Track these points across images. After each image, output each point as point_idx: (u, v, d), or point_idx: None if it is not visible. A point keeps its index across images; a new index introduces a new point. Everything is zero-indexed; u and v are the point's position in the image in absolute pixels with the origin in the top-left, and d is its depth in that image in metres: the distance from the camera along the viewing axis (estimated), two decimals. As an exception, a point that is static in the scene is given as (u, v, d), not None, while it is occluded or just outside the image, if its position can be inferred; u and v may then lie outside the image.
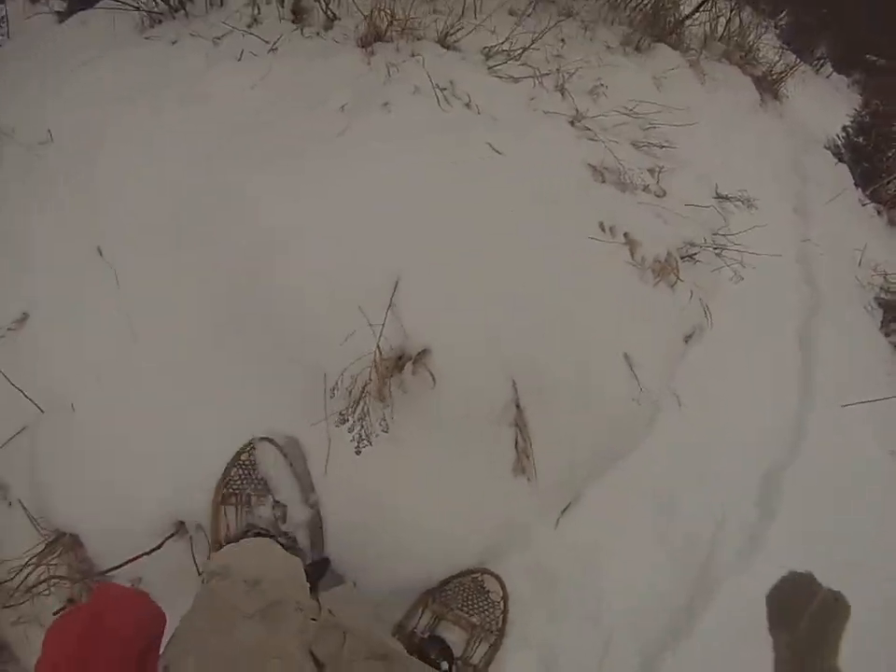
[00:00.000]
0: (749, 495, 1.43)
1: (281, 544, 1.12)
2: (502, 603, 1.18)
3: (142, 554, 1.15)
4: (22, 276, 1.43)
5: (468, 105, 1.72)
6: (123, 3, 1.99)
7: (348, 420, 1.08)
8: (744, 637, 1.18)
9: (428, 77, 1.70)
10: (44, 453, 1.24)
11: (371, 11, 1.85)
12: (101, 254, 1.43)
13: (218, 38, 1.90)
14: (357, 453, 1.06)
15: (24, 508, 1.23)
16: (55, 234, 1.45)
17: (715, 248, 1.70)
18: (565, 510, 1.30)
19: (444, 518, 1.19)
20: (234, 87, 1.71)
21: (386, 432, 1.09)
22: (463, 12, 2.06)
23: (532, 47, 1.89)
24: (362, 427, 1.07)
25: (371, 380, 1.13)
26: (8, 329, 1.37)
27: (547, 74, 1.87)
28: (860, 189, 2.76)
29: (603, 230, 1.51)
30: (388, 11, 1.85)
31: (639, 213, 1.62)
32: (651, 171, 1.79)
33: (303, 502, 1.21)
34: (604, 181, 1.66)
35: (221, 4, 2.08)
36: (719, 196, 1.89)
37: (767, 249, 1.80)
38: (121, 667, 0.59)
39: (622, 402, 1.34)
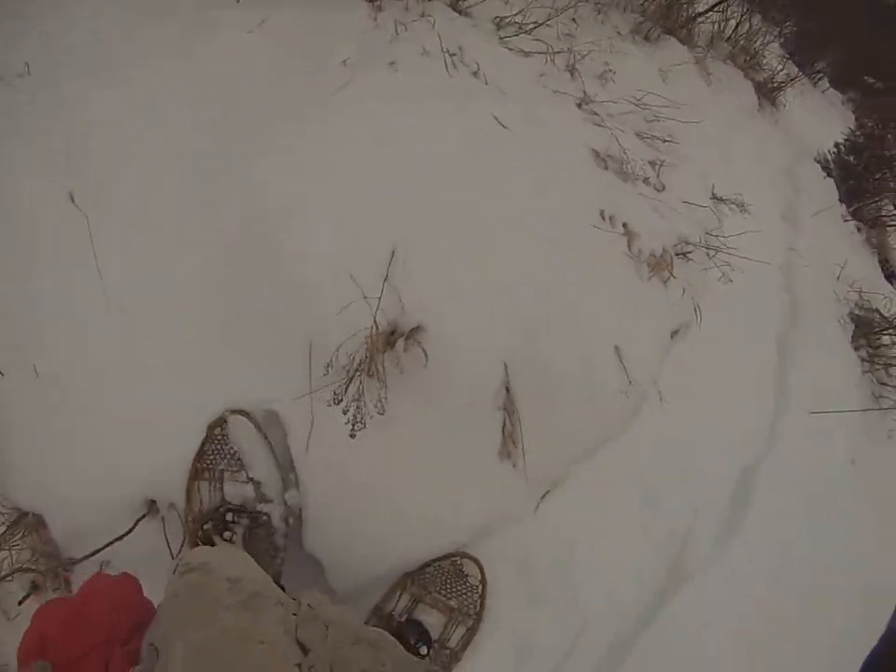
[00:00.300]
0: (726, 493, 1.49)
1: (253, 522, 1.11)
2: (480, 587, 1.18)
3: (114, 541, 1.09)
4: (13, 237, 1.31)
5: (475, 74, 1.70)
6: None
7: (342, 400, 1.04)
8: (712, 627, 1.26)
9: (439, 39, 1.66)
10: (2, 420, 1.16)
11: (381, -37, 1.79)
12: (73, 201, 1.33)
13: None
14: (352, 436, 1.03)
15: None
16: (46, 188, 1.33)
17: (708, 248, 1.73)
18: (545, 495, 1.31)
19: (428, 501, 1.18)
20: (231, 31, 1.62)
21: (382, 414, 1.06)
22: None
23: (546, 23, 1.86)
24: (357, 407, 1.04)
25: (367, 357, 1.09)
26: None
27: (559, 52, 1.86)
28: (843, 205, 2.86)
29: (603, 218, 1.51)
30: (399, -35, 1.79)
31: (638, 204, 1.64)
32: (652, 163, 1.80)
33: (280, 480, 1.18)
34: (606, 168, 1.67)
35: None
36: (715, 197, 1.93)
37: (756, 255, 1.86)
38: (106, 650, 0.60)
39: (609, 393, 1.36)
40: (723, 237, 1.80)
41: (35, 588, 1.12)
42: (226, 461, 1.15)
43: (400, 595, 1.16)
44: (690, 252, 1.68)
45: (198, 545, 1.07)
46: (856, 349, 2.21)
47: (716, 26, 2.74)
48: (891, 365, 2.22)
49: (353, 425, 1.05)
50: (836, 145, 3.02)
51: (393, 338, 1.18)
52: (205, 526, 1.09)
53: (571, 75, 1.85)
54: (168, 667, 0.60)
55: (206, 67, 1.53)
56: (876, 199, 2.98)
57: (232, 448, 1.16)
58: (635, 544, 1.35)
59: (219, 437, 1.16)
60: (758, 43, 2.91)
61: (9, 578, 1.09)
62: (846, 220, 2.82)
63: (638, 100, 1.92)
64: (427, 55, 1.67)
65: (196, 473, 1.14)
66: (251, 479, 1.15)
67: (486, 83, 1.68)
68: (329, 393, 1.07)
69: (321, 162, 1.35)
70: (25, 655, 0.59)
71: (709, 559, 1.35)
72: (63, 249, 1.29)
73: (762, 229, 1.99)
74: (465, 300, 1.25)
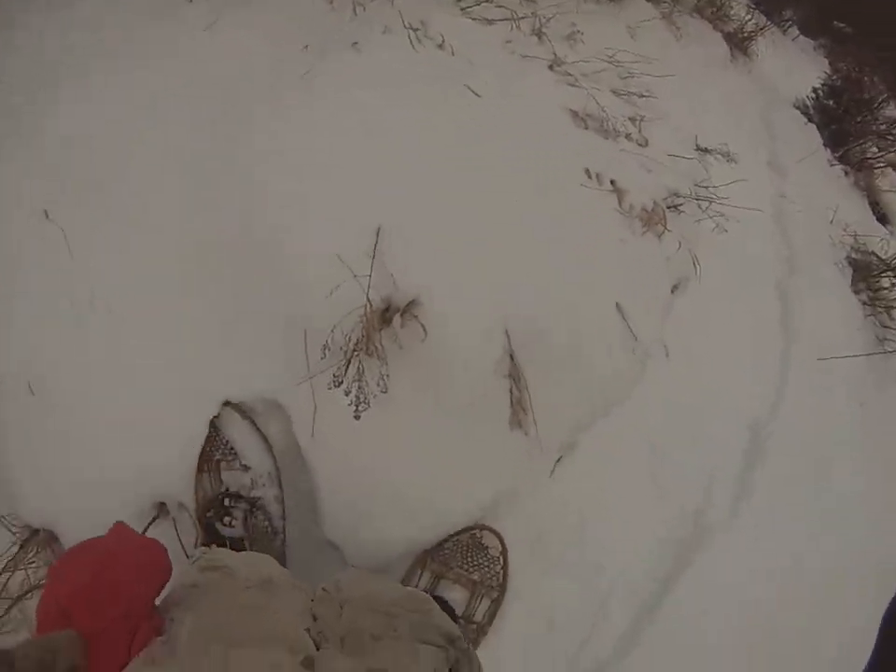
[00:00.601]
0: (736, 458, 1.49)
1: (252, 506, 1.14)
2: (502, 558, 1.18)
3: None
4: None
5: (440, 47, 1.68)
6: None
7: (343, 382, 1.03)
8: (729, 598, 1.25)
9: (400, 15, 1.64)
10: (2, 438, 1.15)
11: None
12: (47, 216, 1.32)
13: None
14: (357, 417, 1.02)
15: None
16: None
17: (698, 200, 1.72)
18: (558, 460, 1.30)
19: (440, 477, 1.18)
20: (186, 32, 1.60)
21: (385, 392, 1.05)
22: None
23: (506, -12, 1.85)
24: (359, 388, 1.03)
25: (364, 336, 1.08)
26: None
27: (523, 17, 1.84)
28: (828, 150, 2.87)
29: (590, 176, 1.51)
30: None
31: (623, 161, 1.63)
32: (632, 119, 1.80)
33: (273, 464, 1.21)
34: (586, 127, 1.66)
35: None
36: (700, 148, 1.93)
37: (747, 203, 1.85)
38: (128, 623, 0.58)
39: (615, 352, 1.35)
40: (713, 187, 1.80)
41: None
42: (220, 451, 1.19)
43: (421, 574, 1.16)
44: (681, 205, 1.67)
45: (206, 537, 1.10)
46: (856, 293, 2.22)
47: (680, -20, 2.74)
48: (893, 307, 2.22)
49: (356, 406, 1.04)
50: (814, 90, 3.03)
51: (388, 314, 1.16)
52: (208, 514, 1.12)
53: (539, 38, 1.84)
54: (177, 638, 0.61)
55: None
56: (861, 142, 2.99)
57: (225, 438, 1.20)
58: (648, 508, 1.36)
59: (213, 429, 1.20)
60: (724, -6, 2.92)
61: (28, 596, 1.11)
62: (832, 165, 2.82)
63: (610, 57, 1.92)
64: (390, 32, 1.66)
65: (199, 466, 1.17)
66: (244, 465, 1.19)
67: (453, 54, 1.67)
68: (329, 377, 1.05)
69: (314, 160, 1.36)
70: (45, 620, 0.58)
71: (722, 527, 1.36)
72: (43, 255, 1.29)
73: (749, 177, 1.98)
74: (460, 271, 1.24)
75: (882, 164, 2.98)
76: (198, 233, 1.30)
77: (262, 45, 1.59)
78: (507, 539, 1.20)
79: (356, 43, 1.60)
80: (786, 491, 1.46)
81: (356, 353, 1.08)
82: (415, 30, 1.68)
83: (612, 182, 1.53)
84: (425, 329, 1.17)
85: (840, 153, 2.92)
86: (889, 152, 2.97)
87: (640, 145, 1.74)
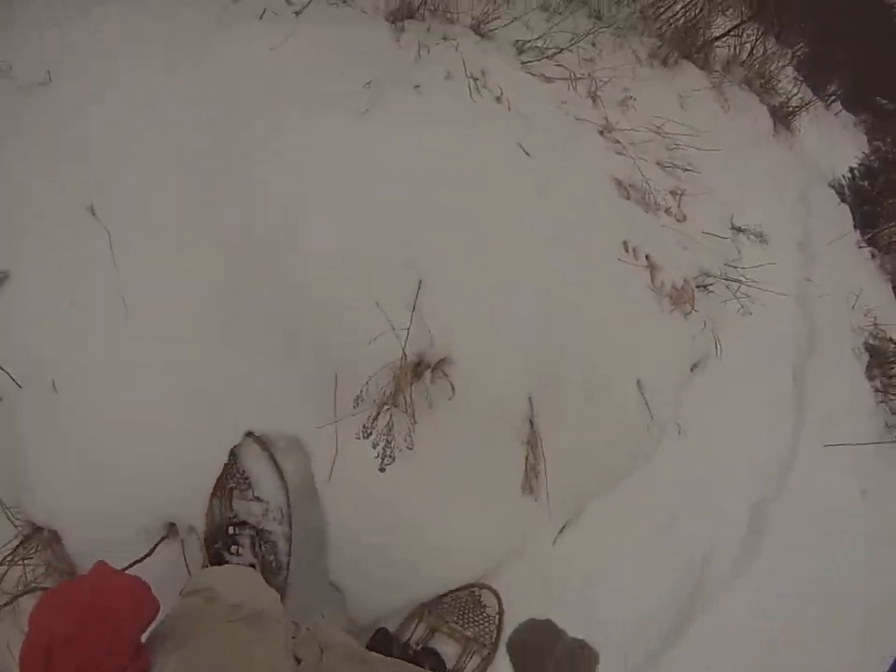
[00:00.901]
0: (742, 528, 1.53)
1: (258, 538, 1.16)
2: (497, 618, 1.22)
3: (134, 563, 1.11)
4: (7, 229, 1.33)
5: (498, 100, 1.75)
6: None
7: (371, 434, 1.08)
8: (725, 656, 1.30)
9: (463, 63, 1.71)
10: (21, 435, 1.16)
11: (405, -16, 1.84)
12: (94, 214, 1.36)
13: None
14: (382, 470, 1.06)
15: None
16: (46, 187, 1.36)
17: (727, 280, 1.79)
18: (563, 528, 1.35)
19: (449, 533, 1.22)
20: (252, 47, 1.66)
21: (411, 448, 1.10)
22: (496, 1, 2.08)
23: (567, 48, 1.92)
24: (387, 442, 1.07)
25: (396, 389, 1.13)
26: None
27: (580, 78, 1.91)
28: (858, 232, 2.94)
29: (626, 250, 1.57)
30: (422, -13, 1.85)
31: (661, 236, 1.69)
32: (673, 193, 1.86)
33: (286, 500, 1.23)
34: (628, 198, 1.72)
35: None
36: (734, 227, 1.99)
37: (774, 286, 1.92)
38: (114, 650, 0.59)
39: (632, 428, 1.41)
40: (742, 268, 1.86)
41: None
42: (234, 479, 1.21)
43: (417, 625, 1.20)
44: (710, 284, 1.73)
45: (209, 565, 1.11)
46: (870, 379, 2.28)
47: (732, 50, 2.82)
48: (905, 395, 2.28)
49: (382, 458, 1.08)
50: (851, 170, 3.11)
51: (420, 369, 1.22)
52: (216, 545, 1.13)
53: (593, 101, 1.91)
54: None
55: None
56: (891, 224, 3.06)
57: (242, 468, 1.22)
58: (651, 573, 1.39)
59: (232, 457, 1.22)
60: (772, 67, 3.00)
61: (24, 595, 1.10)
62: (860, 247, 2.90)
63: (658, 127, 1.99)
64: (451, 79, 1.72)
65: (213, 493, 1.19)
66: (257, 497, 1.21)
67: (509, 109, 1.73)
68: (353, 423, 1.10)
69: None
70: (29, 662, 0.58)
71: (727, 588, 1.40)
72: (80, 257, 1.31)
73: (779, 259, 2.06)
74: (492, 333, 1.29)
75: (910, 247, 3.04)
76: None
77: (318, 76, 1.64)
78: (508, 596, 1.25)
79: (418, 86, 1.66)
80: (790, 557, 1.52)
81: (386, 406, 1.13)
82: (475, 79, 1.75)
83: (647, 257, 1.60)
84: (453, 388, 1.23)
85: (870, 235, 2.99)
86: (918, 235, 3.03)
87: (678, 220, 1.80)
